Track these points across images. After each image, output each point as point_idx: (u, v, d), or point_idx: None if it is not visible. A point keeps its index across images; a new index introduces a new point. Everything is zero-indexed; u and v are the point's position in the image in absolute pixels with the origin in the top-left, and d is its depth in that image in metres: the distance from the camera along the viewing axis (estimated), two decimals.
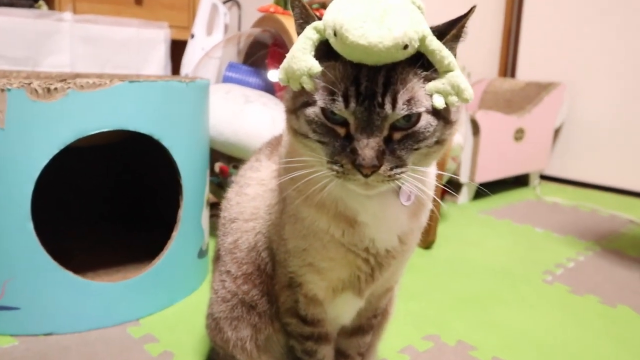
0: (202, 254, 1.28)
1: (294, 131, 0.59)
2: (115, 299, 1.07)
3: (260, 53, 1.76)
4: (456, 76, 0.53)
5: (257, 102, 1.51)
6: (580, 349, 1.07)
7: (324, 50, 0.55)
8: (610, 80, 2.61)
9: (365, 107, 0.52)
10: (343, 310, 0.75)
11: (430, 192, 0.67)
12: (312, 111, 0.55)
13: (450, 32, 0.54)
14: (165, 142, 1.09)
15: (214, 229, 1.23)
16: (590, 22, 2.64)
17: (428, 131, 0.54)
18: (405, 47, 0.51)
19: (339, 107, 0.53)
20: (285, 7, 1.70)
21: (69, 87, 0.94)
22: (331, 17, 0.52)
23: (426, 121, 0.54)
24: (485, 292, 1.34)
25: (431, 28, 0.54)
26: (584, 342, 1.10)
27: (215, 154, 1.54)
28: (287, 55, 0.56)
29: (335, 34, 0.51)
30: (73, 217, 1.56)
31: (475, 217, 2.09)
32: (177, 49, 2.85)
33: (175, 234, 1.16)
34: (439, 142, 0.56)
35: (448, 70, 0.53)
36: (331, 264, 0.66)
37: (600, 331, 1.16)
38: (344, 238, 0.64)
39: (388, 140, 0.54)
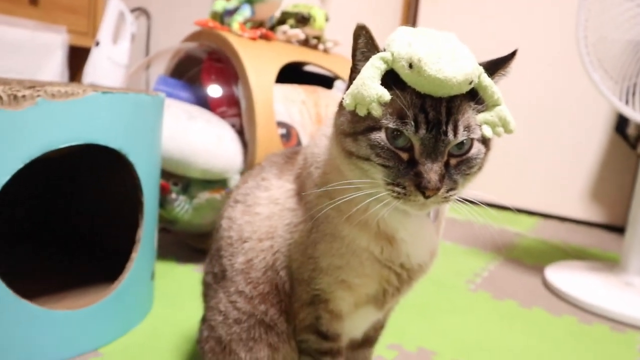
0: (153, 275, 1.22)
1: (349, 153, 0.62)
2: (74, 329, 0.98)
3: (195, 69, 1.72)
4: (503, 110, 0.60)
5: (200, 118, 1.48)
6: (509, 346, 1.22)
7: (386, 80, 0.59)
8: None
9: (433, 134, 0.57)
10: (361, 324, 0.78)
11: (446, 212, 0.74)
12: (377, 136, 0.59)
13: (498, 70, 0.62)
14: (131, 158, 1.03)
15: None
16: None
17: (478, 157, 0.61)
18: (471, 82, 0.57)
19: (409, 131, 0.57)
20: (222, 23, 1.69)
21: (38, 95, 0.85)
22: (404, 51, 0.57)
23: (477, 149, 0.61)
24: (425, 301, 1.45)
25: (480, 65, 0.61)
26: (511, 341, 1.25)
27: None
28: (355, 81, 0.59)
29: (411, 67, 0.56)
30: None
31: None
32: (76, 56, 2.63)
33: (135, 255, 1.09)
34: (481, 168, 0.63)
35: (496, 104, 0.60)
36: (365, 280, 0.70)
37: (522, 330, 1.32)
38: (382, 255, 0.68)
39: (446, 165, 0.59)
